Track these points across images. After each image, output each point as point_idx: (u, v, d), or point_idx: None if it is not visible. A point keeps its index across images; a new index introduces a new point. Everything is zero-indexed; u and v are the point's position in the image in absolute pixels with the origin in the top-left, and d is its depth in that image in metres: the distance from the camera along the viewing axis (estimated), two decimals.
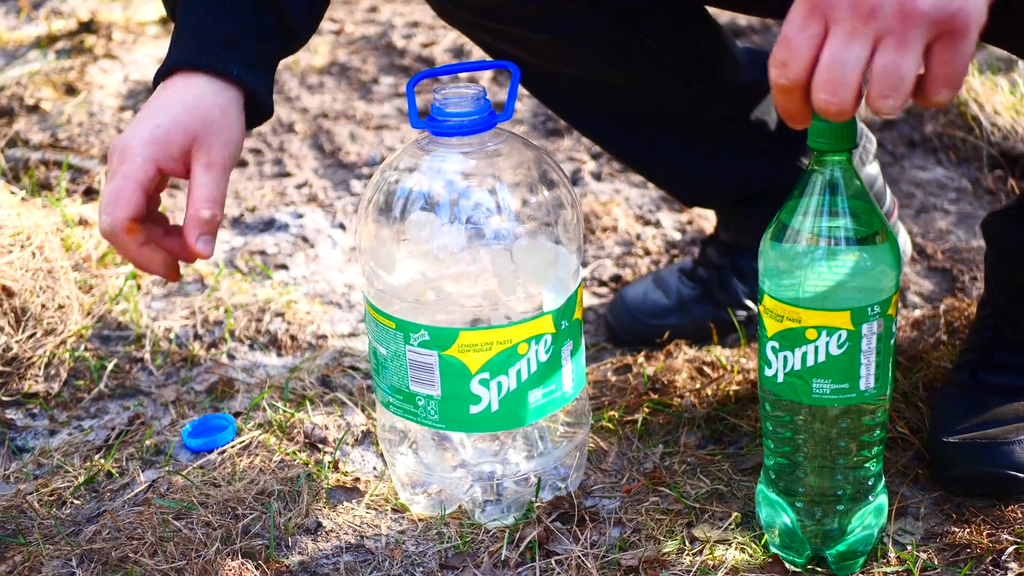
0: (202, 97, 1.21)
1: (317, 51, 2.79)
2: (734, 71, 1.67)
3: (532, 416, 1.38)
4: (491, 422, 1.36)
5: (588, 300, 1.91)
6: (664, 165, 1.77)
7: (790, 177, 1.74)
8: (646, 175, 1.82)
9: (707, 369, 1.68)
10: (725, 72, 1.66)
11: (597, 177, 2.25)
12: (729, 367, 1.68)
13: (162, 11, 3.10)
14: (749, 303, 1.80)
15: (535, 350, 1.35)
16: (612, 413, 1.61)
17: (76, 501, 1.48)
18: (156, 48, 2.88)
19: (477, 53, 2.68)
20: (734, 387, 1.63)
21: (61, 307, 1.77)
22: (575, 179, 2.24)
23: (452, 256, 1.33)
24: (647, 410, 1.61)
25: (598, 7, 1.56)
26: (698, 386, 1.65)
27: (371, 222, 1.37)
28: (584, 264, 1.99)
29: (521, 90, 2.50)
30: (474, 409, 1.35)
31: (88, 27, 2.92)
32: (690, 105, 1.66)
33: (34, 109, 2.49)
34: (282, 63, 2.70)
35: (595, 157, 2.31)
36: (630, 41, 1.59)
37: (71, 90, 2.60)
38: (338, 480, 1.49)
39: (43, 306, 1.75)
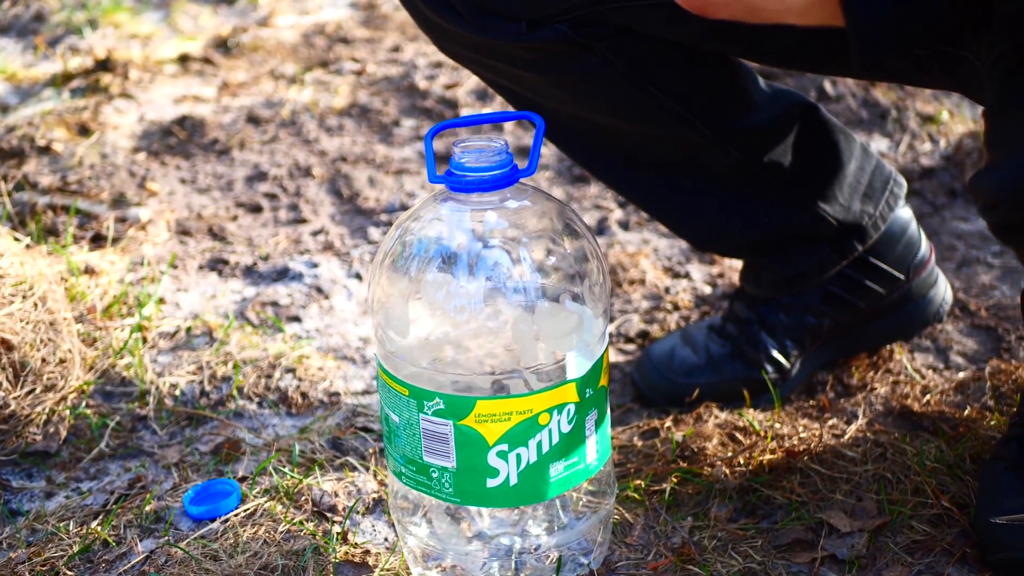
0: None
1: (338, 92, 2.72)
2: (747, 113, 1.59)
3: (553, 490, 1.29)
4: (509, 497, 1.28)
5: (614, 357, 1.83)
6: (674, 209, 1.69)
7: (809, 224, 1.66)
8: (656, 218, 1.74)
9: (739, 435, 1.59)
10: (736, 115, 1.58)
11: (624, 226, 2.16)
12: (763, 433, 1.59)
13: (181, 48, 3.04)
14: (780, 358, 1.71)
15: (557, 420, 1.26)
16: (638, 482, 1.52)
17: (69, 572, 1.39)
18: (173, 87, 2.81)
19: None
20: (768, 456, 1.54)
21: (62, 361, 1.70)
22: (601, 228, 2.16)
23: (469, 320, 1.25)
24: (675, 479, 1.52)
25: (591, 50, 1.48)
26: (730, 454, 1.55)
27: (384, 282, 1.29)
28: (610, 319, 1.91)
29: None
30: (491, 483, 1.27)
31: (104, 65, 2.86)
32: (697, 150, 1.58)
33: (45, 150, 2.42)
34: (300, 103, 2.64)
35: (622, 205, 2.22)
36: (627, 85, 1.51)
37: (84, 130, 2.53)
38: (347, 553, 1.40)
39: (43, 360, 1.68)
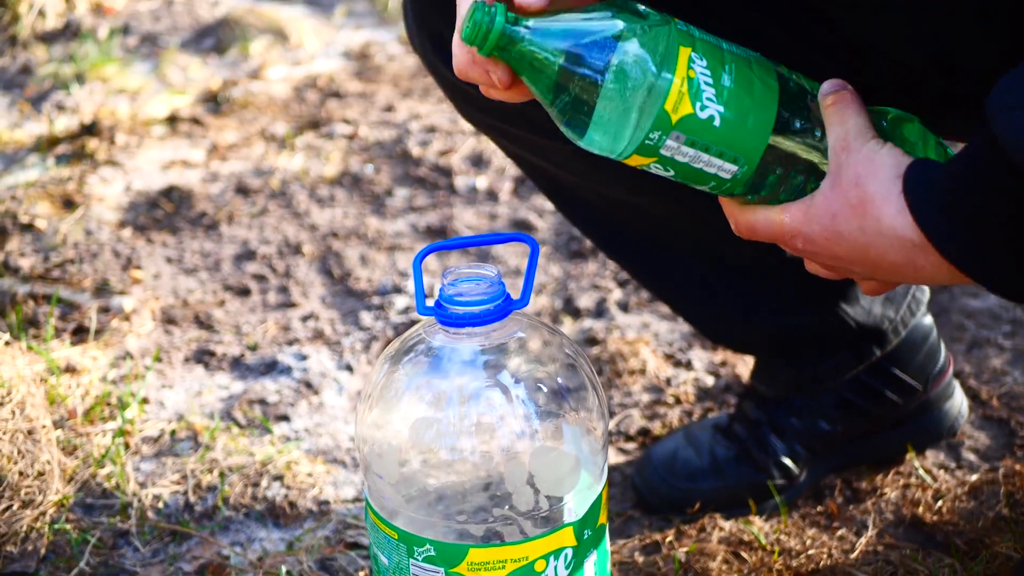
0: None
1: (329, 158, 2.65)
2: None
3: None
4: None
5: (614, 457, 1.76)
6: (690, 298, 1.63)
7: (828, 324, 1.59)
8: (671, 306, 1.68)
9: (744, 552, 1.53)
10: None
11: (624, 308, 2.10)
12: (768, 547, 1.52)
13: (170, 103, 2.98)
14: (789, 464, 1.65)
15: (554, 566, 1.20)
16: None
17: None
18: (161, 151, 2.74)
19: (497, 162, 2.53)
20: None
21: (41, 474, 1.63)
22: (600, 310, 2.09)
23: (460, 463, 1.19)
24: None
25: None
26: (735, 574, 1.49)
27: (370, 420, 1.22)
28: (609, 415, 1.84)
29: (544, 204, 2.37)
30: None
31: (91, 129, 2.79)
32: (720, 236, 1.51)
33: (28, 228, 2.35)
34: (291, 172, 2.57)
35: (622, 284, 2.16)
36: None
37: (69, 203, 2.46)
38: None
39: (21, 474, 1.61)
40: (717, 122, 1.03)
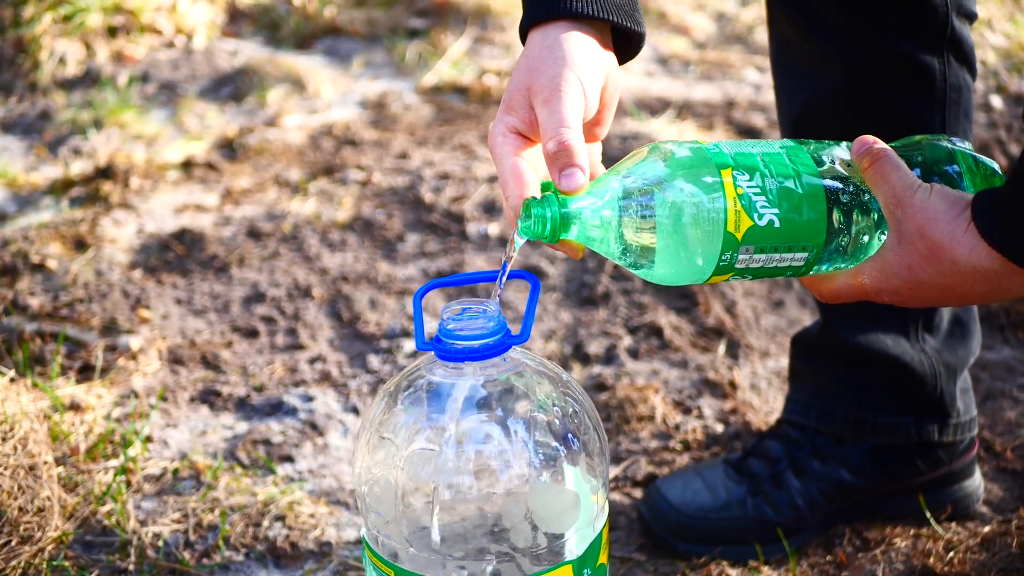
0: (532, 49, 1.16)
1: (341, 203, 2.65)
2: None
3: None
4: None
5: (620, 502, 1.74)
6: None
7: (919, 369, 1.61)
8: None
9: None
10: None
11: (634, 354, 2.08)
12: None
13: (186, 150, 2.98)
14: (801, 505, 1.63)
15: None
16: None
17: None
18: (175, 195, 2.75)
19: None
20: None
21: (41, 510, 1.62)
22: (610, 356, 2.07)
23: (458, 499, 1.17)
24: None
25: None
26: None
27: (369, 456, 1.21)
28: (616, 460, 1.82)
29: (555, 252, 2.35)
30: None
31: (105, 173, 2.80)
32: None
33: (39, 268, 2.35)
34: (302, 216, 2.57)
35: (632, 331, 2.14)
36: None
37: (81, 244, 2.46)
38: None
39: (20, 509, 1.60)
40: (777, 224, 1.08)
